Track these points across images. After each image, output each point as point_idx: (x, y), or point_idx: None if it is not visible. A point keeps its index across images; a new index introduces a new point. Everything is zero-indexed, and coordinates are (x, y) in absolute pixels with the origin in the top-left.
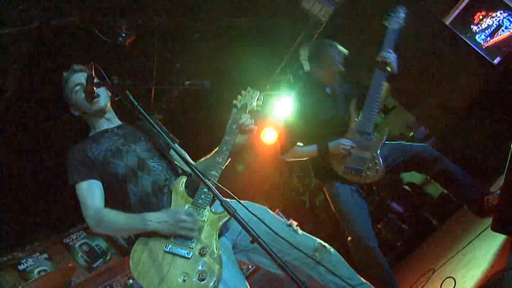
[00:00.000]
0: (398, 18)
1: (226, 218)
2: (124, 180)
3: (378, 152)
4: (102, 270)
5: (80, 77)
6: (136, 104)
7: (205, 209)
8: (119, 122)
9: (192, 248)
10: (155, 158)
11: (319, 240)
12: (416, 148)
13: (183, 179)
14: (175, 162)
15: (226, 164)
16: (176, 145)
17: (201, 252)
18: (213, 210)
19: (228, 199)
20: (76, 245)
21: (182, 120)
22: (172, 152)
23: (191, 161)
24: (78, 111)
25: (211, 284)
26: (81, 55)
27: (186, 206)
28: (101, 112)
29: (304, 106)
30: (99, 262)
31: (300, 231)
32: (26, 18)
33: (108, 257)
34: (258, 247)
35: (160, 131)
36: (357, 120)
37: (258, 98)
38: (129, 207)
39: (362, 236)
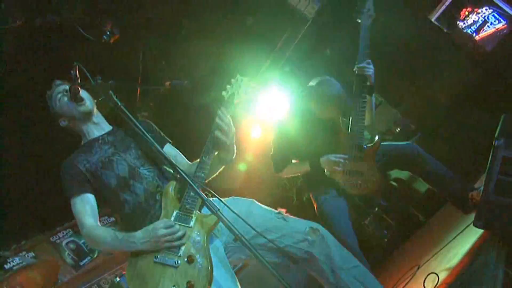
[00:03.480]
0: (369, 11)
1: (215, 221)
2: (117, 190)
3: (374, 163)
4: (89, 268)
5: (62, 88)
6: (119, 104)
7: (192, 213)
8: (110, 127)
9: (180, 256)
10: (146, 165)
11: (310, 223)
12: (400, 147)
13: (173, 184)
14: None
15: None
16: (168, 145)
17: (189, 259)
18: (202, 213)
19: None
20: (63, 243)
21: (169, 117)
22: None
23: (175, 163)
24: (66, 120)
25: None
26: (65, 54)
27: (175, 212)
28: (89, 115)
29: (296, 130)
30: (86, 260)
31: (289, 218)
32: (9, 17)
33: (95, 255)
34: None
35: (146, 134)
36: (347, 133)
37: (247, 86)
38: (125, 216)
39: (342, 237)
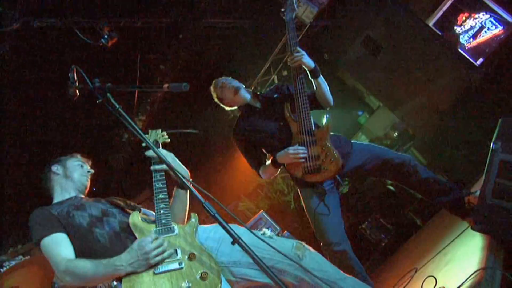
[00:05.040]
0: (291, 4)
1: (197, 219)
2: (89, 227)
3: (328, 143)
4: None
5: (87, 167)
6: (117, 107)
7: (171, 223)
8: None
9: (180, 258)
10: (117, 210)
11: (296, 241)
12: (397, 160)
13: (137, 213)
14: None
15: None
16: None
17: (190, 257)
18: (180, 225)
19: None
20: None
21: (166, 121)
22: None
23: (171, 164)
24: (61, 172)
25: (216, 277)
26: (63, 57)
27: (153, 230)
28: (83, 189)
29: (244, 134)
30: None
31: (275, 237)
32: (7, 20)
33: None
34: (240, 260)
35: (142, 135)
36: (295, 121)
37: (162, 134)
38: (101, 249)
39: (330, 242)
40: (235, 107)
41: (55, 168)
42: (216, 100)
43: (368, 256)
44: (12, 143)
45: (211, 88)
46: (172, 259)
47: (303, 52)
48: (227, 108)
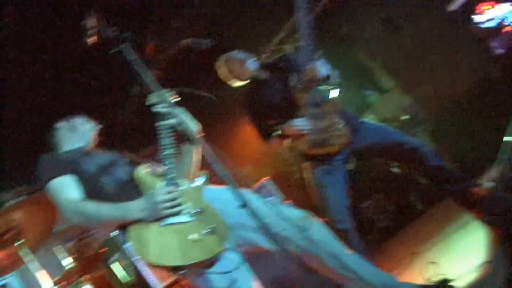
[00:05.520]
0: None
1: (203, 182)
2: (95, 175)
3: (335, 117)
4: None
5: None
6: (129, 59)
7: (177, 180)
8: None
9: (188, 212)
10: (126, 161)
11: (303, 210)
12: (409, 145)
13: (143, 167)
14: None
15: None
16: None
17: (198, 212)
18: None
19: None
20: None
21: (177, 80)
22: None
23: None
24: (69, 129)
25: (222, 231)
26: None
27: (159, 184)
28: (92, 142)
29: (253, 109)
30: None
31: (281, 206)
32: None
33: None
34: (245, 223)
35: (155, 84)
36: (303, 93)
37: (170, 95)
38: (107, 197)
39: (333, 219)
40: (244, 82)
41: (61, 124)
42: (221, 77)
43: (366, 237)
44: (20, 90)
45: (216, 65)
46: (179, 213)
47: (320, 63)
48: (235, 85)
